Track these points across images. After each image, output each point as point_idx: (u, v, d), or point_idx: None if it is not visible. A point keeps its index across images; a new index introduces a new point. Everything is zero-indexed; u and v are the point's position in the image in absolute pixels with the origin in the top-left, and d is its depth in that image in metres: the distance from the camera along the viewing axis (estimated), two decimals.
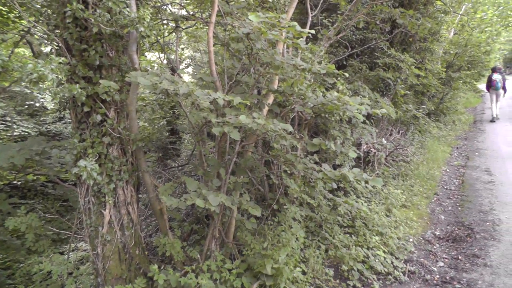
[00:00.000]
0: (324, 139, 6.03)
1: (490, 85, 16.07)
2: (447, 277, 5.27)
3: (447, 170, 10.60)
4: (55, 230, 5.60)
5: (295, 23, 4.12)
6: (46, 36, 4.56)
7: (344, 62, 10.02)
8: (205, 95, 3.69)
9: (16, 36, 6.73)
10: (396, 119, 10.78)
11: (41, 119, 10.46)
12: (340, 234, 5.99)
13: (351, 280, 5.14)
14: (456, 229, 6.77)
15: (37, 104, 10.48)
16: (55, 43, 4.61)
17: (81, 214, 4.76)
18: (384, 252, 5.73)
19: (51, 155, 5.67)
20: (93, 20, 4.07)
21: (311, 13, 6.95)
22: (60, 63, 3.79)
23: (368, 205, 6.98)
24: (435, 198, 8.46)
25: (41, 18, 4.79)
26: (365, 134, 7.81)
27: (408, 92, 11.95)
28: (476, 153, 11.87)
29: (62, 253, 6.19)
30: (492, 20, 19.97)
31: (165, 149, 9.59)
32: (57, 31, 4.56)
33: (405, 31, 10.22)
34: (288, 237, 4.97)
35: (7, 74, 4.34)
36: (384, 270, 5.35)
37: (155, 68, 4.53)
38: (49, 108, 10.97)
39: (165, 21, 7.60)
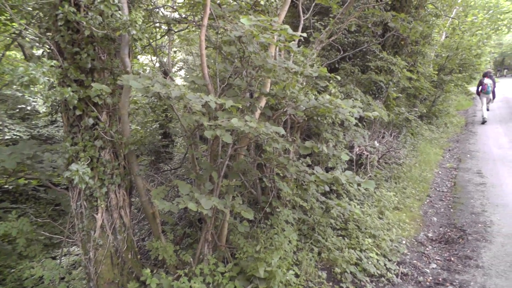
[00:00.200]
0: (317, 142, 6.04)
1: (481, 89, 16.44)
2: (440, 279, 5.29)
3: (440, 172, 10.66)
4: (47, 234, 5.56)
5: (287, 26, 4.12)
6: (37, 39, 4.55)
7: (336, 65, 10.07)
8: (197, 98, 3.68)
9: (8, 38, 6.69)
10: (389, 122, 10.83)
11: (33, 122, 10.40)
12: (333, 237, 6.00)
13: (344, 282, 5.15)
14: (448, 231, 6.81)
15: (29, 108, 10.42)
16: (47, 46, 4.59)
17: (73, 218, 4.73)
18: (377, 254, 5.74)
19: (43, 159, 5.64)
20: (85, 23, 4.05)
21: (303, 16, 6.97)
22: (51, 66, 3.77)
23: (360, 207, 7.00)
24: (427, 200, 8.50)
25: (33, 21, 4.77)
26: (357, 137, 7.84)
27: (400, 95, 12.03)
28: (468, 155, 11.95)
29: (54, 258, 6.13)
30: (482, 24, 20.16)
31: (158, 153, 9.55)
32: (48, 34, 4.54)
33: (397, 34, 10.28)
34: (281, 240, 4.96)
35: None
36: (377, 272, 5.36)
37: (147, 71, 4.52)
38: (41, 112, 10.89)
39: (157, 24, 7.59)
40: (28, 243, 5.34)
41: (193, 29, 8.81)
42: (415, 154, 11.44)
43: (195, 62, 11.97)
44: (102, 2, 3.97)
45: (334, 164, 6.88)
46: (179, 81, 11.20)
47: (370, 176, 8.38)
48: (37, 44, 5.05)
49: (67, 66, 4.33)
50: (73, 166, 4.05)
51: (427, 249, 6.25)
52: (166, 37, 9.10)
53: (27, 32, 5.33)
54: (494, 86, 16.70)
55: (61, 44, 4.30)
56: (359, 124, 8.24)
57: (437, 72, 14.99)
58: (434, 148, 12.92)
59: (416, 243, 6.47)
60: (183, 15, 7.83)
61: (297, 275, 5.05)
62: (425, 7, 12.11)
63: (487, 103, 16.87)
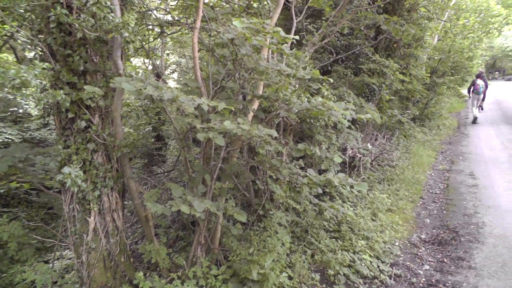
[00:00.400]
0: (309, 144, 6.06)
1: (473, 89, 16.84)
2: (433, 280, 5.31)
3: (432, 174, 10.71)
4: (39, 238, 5.52)
5: (280, 29, 4.14)
6: (29, 41, 4.52)
7: (329, 68, 10.10)
8: (190, 100, 3.68)
9: None
10: (381, 124, 10.88)
11: (25, 125, 10.31)
12: (326, 239, 6.01)
13: (337, 284, 5.15)
14: (441, 232, 6.84)
15: (21, 110, 10.33)
16: (39, 48, 4.57)
17: (65, 222, 4.70)
18: (370, 256, 5.75)
19: (35, 162, 5.61)
20: (77, 25, 4.03)
21: (296, 19, 6.99)
22: (44, 68, 3.75)
23: (354, 209, 7.02)
24: (420, 202, 8.54)
25: (25, 23, 4.75)
26: (350, 139, 7.87)
27: (393, 97, 12.09)
28: (460, 157, 12.03)
29: (47, 262, 6.08)
30: (474, 27, 20.33)
31: (151, 155, 9.52)
32: (40, 36, 4.52)
33: (389, 37, 10.35)
34: (274, 243, 4.97)
35: None
36: (370, 274, 5.37)
37: (140, 73, 4.51)
38: (33, 115, 10.82)
39: (150, 27, 7.57)
40: (19, 247, 5.30)
41: (186, 31, 8.80)
42: (408, 156, 11.49)
43: (188, 64, 11.95)
44: (94, 4, 3.96)
45: (327, 166, 6.90)
46: (172, 83, 11.18)
47: (363, 178, 8.41)
48: (29, 46, 5.03)
49: (59, 68, 4.31)
50: (66, 169, 4.02)
51: (420, 250, 6.27)
52: (159, 39, 9.08)
53: (19, 34, 5.31)
54: (486, 88, 17.05)
55: (53, 47, 4.27)
56: (352, 126, 8.27)
57: (429, 75, 15.09)
58: (427, 150, 12.98)
59: (409, 244, 6.49)
60: (176, 18, 7.81)
61: (290, 278, 5.05)
62: (418, 10, 12.18)
63: (478, 104, 17.32)
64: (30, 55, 7.73)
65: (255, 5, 6.71)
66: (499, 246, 6.04)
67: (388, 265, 5.71)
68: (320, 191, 5.42)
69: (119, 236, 4.83)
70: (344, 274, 5.30)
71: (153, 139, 10.11)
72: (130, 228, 7.02)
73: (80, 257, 4.56)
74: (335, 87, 8.69)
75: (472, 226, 6.84)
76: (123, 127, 5.02)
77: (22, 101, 10.04)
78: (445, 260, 5.83)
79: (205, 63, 6.44)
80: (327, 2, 8.08)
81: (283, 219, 5.64)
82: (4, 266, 5.88)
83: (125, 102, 7.75)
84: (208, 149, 4.77)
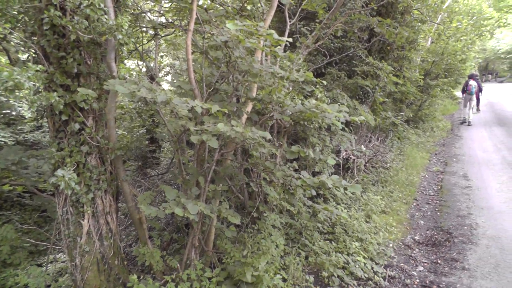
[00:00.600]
0: (303, 146, 6.08)
1: (466, 89, 17.06)
2: (427, 281, 5.33)
3: (426, 176, 10.76)
4: (33, 241, 5.50)
5: (273, 31, 4.15)
6: (23, 43, 4.50)
7: (323, 70, 10.12)
8: (184, 103, 3.68)
9: None
10: (375, 126, 10.91)
11: (18, 128, 10.26)
12: (320, 241, 6.01)
13: (331, 286, 5.16)
14: (435, 233, 6.87)
15: (14, 113, 10.29)
16: (32, 51, 4.56)
17: (59, 225, 4.68)
18: (364, 257, 5.77)
19: (29, 164, 5.58)
20: (71, 27, 4.02)
21: (290, 21, 7.00)
22: (37, 70, 3.74)
23: (348, 211, 7.04)
24: (414, 204, 8.57)
25: (18, 25, 4.72)
26: (344, 141, 7.88)
27: (387, 100, 12.13)
28: (454, 159, 12.09)
29: (40, 265, 6.05)
30: (466, 30, 20.47)
31: (145, 158, 9.50)
32: (34, 38, 4.51)
33: (383, 40, 10.40)
34: (268, 245, 4.97)
35: None
36: (365, 276, 5.38)
37: (134, 76, 4.51)
38: (26, 117, 10.77)
39: (144, 29, 7.58)
40: (12, 250, 5.27)
41: (180, 33, 8.82)
42: (402, 158, 11.54)
43: (181, 67, 11.96)
44: (88, 7, 3.96)
45: (321, 168, 6.91)
46: (166, 86, 11.18)
47: (357, 180, 8.43)
48: (22, 48, 5.01)
49: (53, 70, 4.30)
50: (59, 172, 4.02)
51: (414, 252, 6.29)
52: (153, 41, 9.09)
53: (12, 36, 5.27)
54: (480, 90, 17.25)
55: (46, 49, 4.26)
56: (346, 128, 8.30)
57: (423, 77, 15.17)
58: (421, 152, 13.04)
59: (403, 246, 6.51)
60: (170, 20, 7.83)
61: (284, 279, 5.05)
62: (411, 13, 12.24)
63: (472, 106, 17.56)
64: (24, 57, 7.69)
65: (248, 7, 6.74)
66: (492, 247, 6.08)
67: (382, 267, 5.73)
68: (314, 193, 5.43)
69: (113, 239, 4.82)
70: (338, 276, 5.31)
71: (147, 142, 10.09)
72: (124, 231, 7.00)
73: (73, 260, 4.54)
74: (329, 89, 8.72)
75: (465, 227, 6.87)
76: (117, 130, 5.02)
77: (15, 103, 10.00)
78: (439, 261, 5.86)
79: (199, 65, 6.44)
80: (321, 5, 8.11)
81: (277, 221, 5.65)
82: None
83: (118, 104, 7.73)
84: (202, 152, 4.76)
